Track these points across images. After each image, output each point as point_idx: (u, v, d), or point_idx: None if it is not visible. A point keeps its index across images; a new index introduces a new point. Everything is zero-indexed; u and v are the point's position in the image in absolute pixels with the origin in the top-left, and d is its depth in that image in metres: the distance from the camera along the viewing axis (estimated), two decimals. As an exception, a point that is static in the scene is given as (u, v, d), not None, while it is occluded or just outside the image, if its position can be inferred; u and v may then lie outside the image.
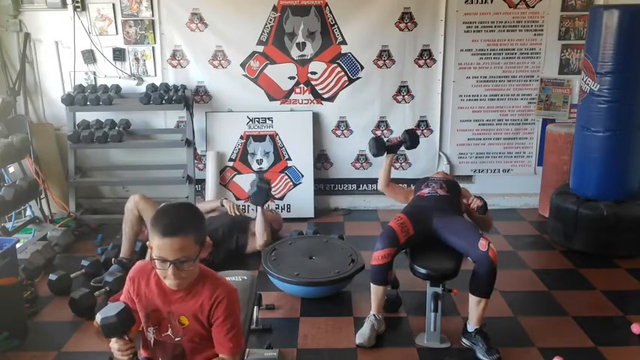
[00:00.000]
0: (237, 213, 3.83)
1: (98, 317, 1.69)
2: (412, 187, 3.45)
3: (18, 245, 3.31)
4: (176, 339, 1.78)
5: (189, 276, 1.70)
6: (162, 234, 1.63)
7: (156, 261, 1.65)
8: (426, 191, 3.16)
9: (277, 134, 4.52)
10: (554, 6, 4.38)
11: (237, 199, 4.51)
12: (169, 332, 1.78)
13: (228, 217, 3.87)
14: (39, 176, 4.19)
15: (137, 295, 1.79)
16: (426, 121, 4.61)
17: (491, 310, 2.80)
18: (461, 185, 3.41)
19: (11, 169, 4.31)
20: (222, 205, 3.87)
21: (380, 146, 3.41)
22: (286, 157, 4.52)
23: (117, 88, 4.40)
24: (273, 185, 4.47)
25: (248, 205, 4.29)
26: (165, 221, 1.66)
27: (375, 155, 3.48)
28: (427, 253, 2.80)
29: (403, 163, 4.67)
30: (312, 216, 4.52)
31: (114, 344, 1.71)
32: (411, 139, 3.44)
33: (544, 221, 4.29)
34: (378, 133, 4.62)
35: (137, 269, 1.83)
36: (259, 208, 3.72)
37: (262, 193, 3.70)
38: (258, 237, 3.69)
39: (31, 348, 2.75)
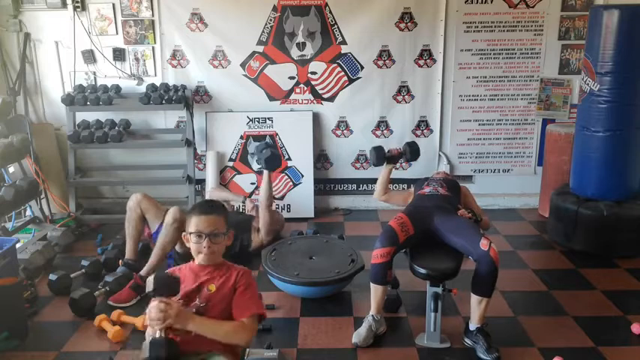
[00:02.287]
0: (254, 215, 3.84)
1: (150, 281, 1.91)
2: (411, 189, 3.45)
3: (18, 245, 3.30)
4: (201, 304, 1.97)
5: (218, 251, 2.05)
6: (201, 212, 2.05)
7: (193, 236, 2.03)
8: (426, 190, 3.17)
9: (277, 134, 4.52)
10: (554, 6, 4.38)
11: (237, 199, 4.52)
12: (197, 301, 1.98)
13: (232, 220, 3.86)
14: (39, 176, 4.19)
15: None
16: (426, 121, 4.61)
17: (492, 309, 2.80)
18: (461, 184, 3.41)
19: (11, 169, 4.31)
20: (243, 203, 3.88)
21: (380, 157, 3.43)
22: (286, 157, 4.52)
23: (117, 88, 4.40)
24: (273, 185, 4.47)
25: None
26: (203, 205, 2.15)
27: (375, 165, 3.50)
28: (427, 253, 2.80)
29: (403, 163, 4.67)
30: (312, 216, 4.52)
31: (154, 305, 1.84)
32: (412, 151, 3.45)
33: (544, 221, 4.29)
34: (378, 133, 4.62)
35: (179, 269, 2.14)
36: (267, 172, 3.74)
37: (276, 158, 3.75)
38: (263, 200, 3.72)
39: (31, 348, 2.75)
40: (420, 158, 4.57)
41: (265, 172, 3.76)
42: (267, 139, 4.45)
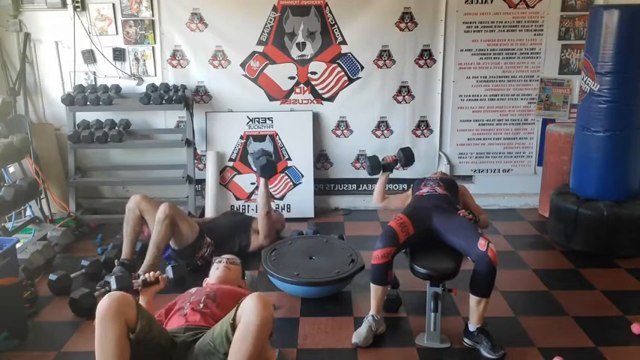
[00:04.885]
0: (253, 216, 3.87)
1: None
2: (409, 191, 3.47)
3: (18, 245, 3.30)
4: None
5: (231, 272, 2.58)
6: None
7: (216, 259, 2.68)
8: (424, 191, 3.17)
9: (277, 134, 4.52)
10: (554, 6, 4.38)
11: (237, 199, 4.52)
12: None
13: (230, 220, 3.88)
14: (39, 176, 4.19)
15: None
16: (426, 121, 4.61)
17: (492, 310, 2.80)
18: (459, 183, 3.41)
19: (11, 169, 4.31)
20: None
21: (375, 166, 3.50)
22: (286, 157, 4.52)
23: (117, 88, 4.40)
24: (273, 185, 4.48)
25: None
26: None
27: (371, 174, 3.56)
28: (427, 253, 2.80)
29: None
30: (312, 216, 4.52)
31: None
32: (406, 157, 3.54)
33: (544, 221, 4.29)
34: (378, 133, 4.62)
35: None
36: (263, 180, 3.75)
37: (272, 166, 3.76)
38: (261, 208, 3.71)
39: (31, 348, 2.75)
40: (420, 158, 4.64)
41: (262, 179, 3.77)
42: (267, 140, 4.46)
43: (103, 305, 1.93)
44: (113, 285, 2.46)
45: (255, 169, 3.82)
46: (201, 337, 2.06)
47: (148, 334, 1.96)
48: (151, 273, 2.51)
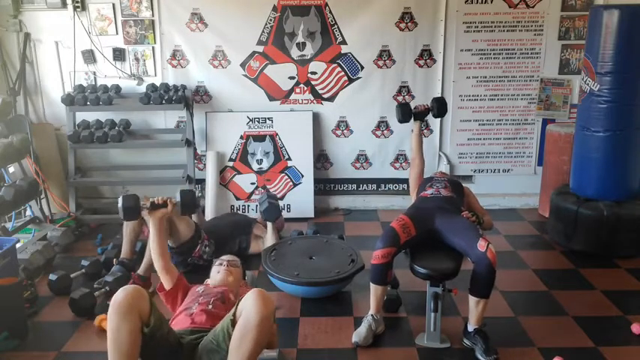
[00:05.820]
0: (255, 219, 3.89)
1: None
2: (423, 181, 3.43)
3: (18, 245, 3.30)
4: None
5: (233, 275, 2.56)
6: None
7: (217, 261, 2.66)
8: (429, 192, 3.16)
9: (277, 134, 4.52)
10: (554, 6, 4.38)
11: (237, 199, 4.52)
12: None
13: (231, 220, 3.88)
14: (39, 176, 4.19)
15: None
16: (426, 121, 4.59)
17: (492, 310, 2.80)
18: (464, 185, 3.40)
19: (11, 169, 4.31)
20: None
21: (406, 113, 3.40)
22: (286, 157, 4.52)
23: (117, 88, 4.40)
24: (273, 185, 4.48)
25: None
26: None
27: (401, 121, 3.46)
28: (427, 253, 2.80)
29: (403, 163, 4.67)
30: (312, 216, 4.52)
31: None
32: (439, 106, 3.42)
33: (544, 221, 4.29)
34: (378, 133, 4.62)
35: None
36: (270, 223, 3.75)
37: (274, 208, 3.75)
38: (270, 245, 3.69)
39: (31, 348, 2.75)
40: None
41: (269, 223, 3.76)
42: (267, 140, 4.47)
43: (118, 298, 1.92)
44: (120, 203, 2.35)
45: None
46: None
47: (159, 330, 1.97)
48: (159, 197, 2.46)
